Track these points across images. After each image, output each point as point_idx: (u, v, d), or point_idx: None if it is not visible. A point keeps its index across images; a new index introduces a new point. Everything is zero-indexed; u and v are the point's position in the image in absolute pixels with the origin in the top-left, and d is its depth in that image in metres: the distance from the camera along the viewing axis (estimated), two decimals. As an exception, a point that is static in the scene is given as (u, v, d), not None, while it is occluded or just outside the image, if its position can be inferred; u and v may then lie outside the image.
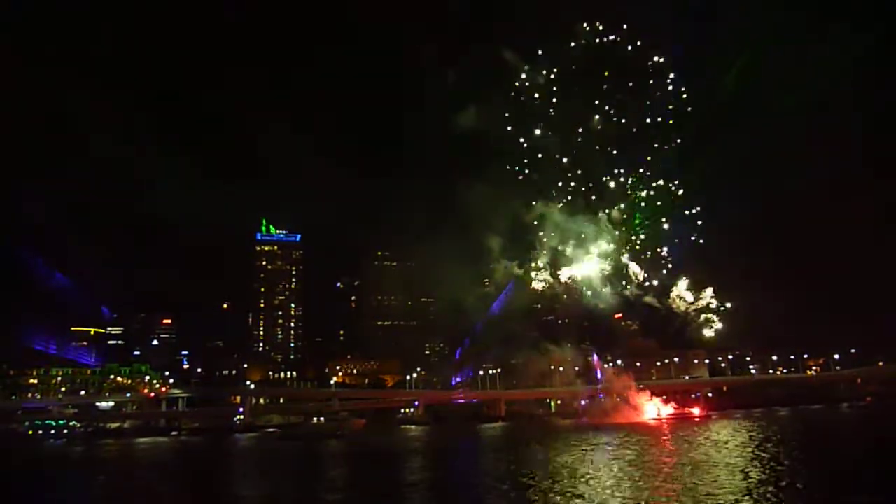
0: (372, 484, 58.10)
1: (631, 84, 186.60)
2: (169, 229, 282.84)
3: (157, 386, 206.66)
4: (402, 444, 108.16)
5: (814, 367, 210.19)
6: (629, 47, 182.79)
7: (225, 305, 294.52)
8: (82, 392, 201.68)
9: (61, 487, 64.38)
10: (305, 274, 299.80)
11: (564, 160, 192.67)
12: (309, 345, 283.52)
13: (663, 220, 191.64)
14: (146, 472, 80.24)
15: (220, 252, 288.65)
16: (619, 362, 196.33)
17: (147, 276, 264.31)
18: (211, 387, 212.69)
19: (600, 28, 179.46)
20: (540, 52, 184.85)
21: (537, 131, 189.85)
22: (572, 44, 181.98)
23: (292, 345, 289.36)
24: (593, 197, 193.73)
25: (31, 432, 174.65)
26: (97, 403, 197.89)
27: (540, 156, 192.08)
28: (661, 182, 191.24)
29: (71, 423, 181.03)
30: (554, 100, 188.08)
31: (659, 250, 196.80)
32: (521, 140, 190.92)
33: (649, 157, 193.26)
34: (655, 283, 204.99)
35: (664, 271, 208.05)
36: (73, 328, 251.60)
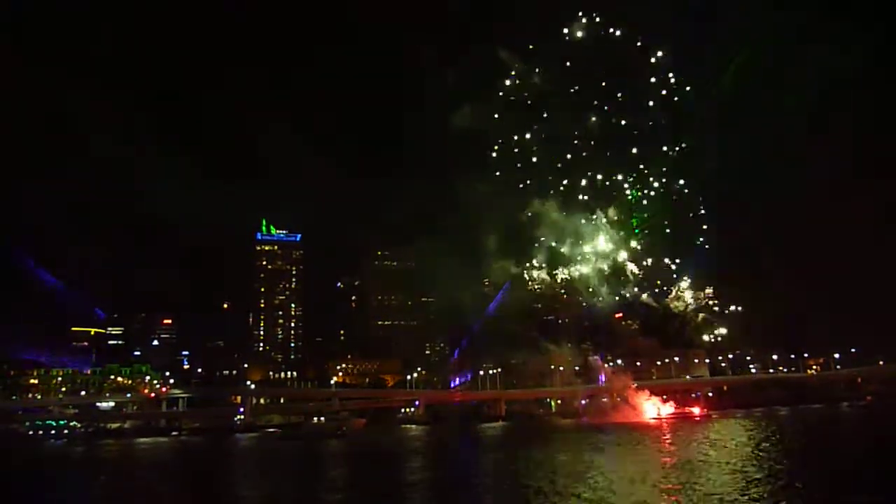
0: (372, 484, 58.14)
1: (630, 82, 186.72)
2: (169, 229, 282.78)
3: (158, 386, 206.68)
4: (402, 444, 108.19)
5: (814, 367, 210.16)
6: (629, 44, 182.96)
7: (225, 305, 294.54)
8: (82, 392, 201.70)
9: (61, 487, 64.41)
10: (305, 274, 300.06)
11: (560, 158, 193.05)
12: (309, 345, 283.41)
13: (664, 220, 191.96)
14: (147, 473, 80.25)
15: (220, 252, 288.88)
16: (619, 362, 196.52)
17: (147, 276, 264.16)
18: (211, 387, 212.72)
19: (597, 20, 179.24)
20: (538, 49, 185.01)
21: (534, 127, 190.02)
22: (569, 37, 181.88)
23: (292, 345, 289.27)
24: (584, 197, 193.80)
25: (31, 432, 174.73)
26: (97, 403, 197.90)
27: (536, 153, 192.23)
28: (660, 182, 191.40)
29: (71, 424, 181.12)
30: (551, 99, 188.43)
31: (657, 251, 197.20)
32: (518, 138, 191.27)
33: (647, 157, 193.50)
34: (653, 283, 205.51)
35: (663, 271, 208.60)
36: (73, 328, 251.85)
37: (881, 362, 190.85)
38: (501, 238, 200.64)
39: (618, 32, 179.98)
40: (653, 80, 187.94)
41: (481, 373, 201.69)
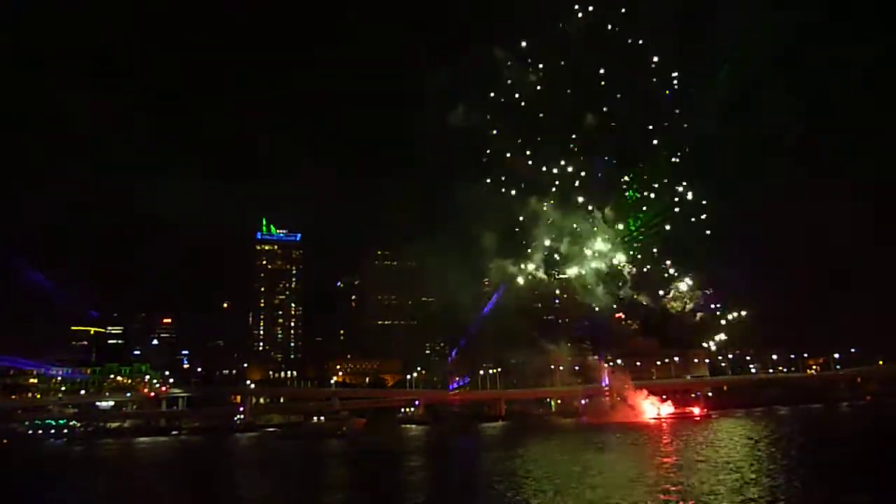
0: (372, 483, 58.13)
1: (630, 81, 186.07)
2: (169, 229, 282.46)
3: (157, 385, 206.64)
4: (402, 444, 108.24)
5: (814, 367, 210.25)
6: (628, 41, 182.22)
7: (225, 305, 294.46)
8: (82, 392, 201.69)
9: (61, 487, 64.38)
10: (305, 274, 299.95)
11: (557, 157, 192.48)
12: (309, 344, 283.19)
13: (662, 220, 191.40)
14: (147, 472, 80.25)
15: (220, 252, 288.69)
16: (618, 362, 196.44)
17: (147, 276, 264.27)
18: (211, 386, 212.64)
19: (592, 13, 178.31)
20: (535, 45, 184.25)
21: (531, 127, 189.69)
22: (567, 33, 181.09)
23: (292, 344, 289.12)
24: (580, 198, 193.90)
25: (30, 432, 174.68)
26: (97, 403, 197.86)
27: (532, 152, 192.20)
28: (659, 182, 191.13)
29: (71, 423, 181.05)
30: (549, 97, 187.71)
31: (655, 251, 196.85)
32: (514, 138, 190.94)
33: (646, 157, 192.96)
34: (650, 283, 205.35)
35: (660, 273, 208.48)
36: (73, 328, 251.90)
37: (881, 362, 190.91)
38: (499, 237, 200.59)
39: (616, 29, 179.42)
40: (654, 79, 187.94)
41: (481, 372, 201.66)
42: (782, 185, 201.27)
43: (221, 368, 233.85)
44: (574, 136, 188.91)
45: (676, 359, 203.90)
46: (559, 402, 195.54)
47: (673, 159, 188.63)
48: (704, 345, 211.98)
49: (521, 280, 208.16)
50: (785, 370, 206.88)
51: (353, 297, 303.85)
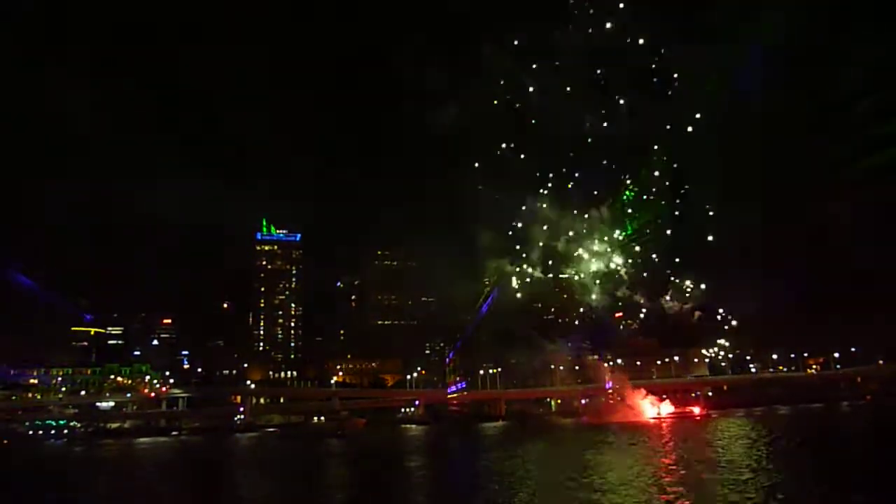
0: (372, 483, 58.16)
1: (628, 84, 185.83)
2: (169, 229, 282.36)
3: (158, 386, 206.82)
4: (402, 444, 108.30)
5: (814, 366, 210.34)
6: (628, 39, 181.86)
7: (225, 305, 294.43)
8: (82, 392, 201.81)
9: (62, 487, 64.41)
10: (305, 274, 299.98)
11: (554, 155, 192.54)
12: (309, 344, 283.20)
13: (660, 224, 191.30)
14: (147, 472, 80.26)
15: (220, 252, 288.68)
16: (619, 361, 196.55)
17: (147, 276, 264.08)
18: (211, 386, 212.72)
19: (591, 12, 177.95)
20: (530, 45, 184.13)
21: (527, 126, 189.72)
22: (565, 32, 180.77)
23: (292, 344, 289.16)
24: (577, 198, 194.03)
25: (31, 432, 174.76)
26: (97, 403, 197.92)
27: (528, 151, 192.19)
28: (657, 182, 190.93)
29: (71, 423, 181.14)
30: (546, 96, 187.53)
31: (655, 257, 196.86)
32: (511, 137, 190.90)
33: (643, 157, 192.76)
34: (646, 284, 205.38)
35: (657, 273, 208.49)
36: (73, 328, 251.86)
37: (881, 362, 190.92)
38: (497, 236, 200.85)
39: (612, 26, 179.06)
40: (655, 79, 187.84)
41: (481, 372, 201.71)
42: (781, 185, 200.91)
43: (221, 369, 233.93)
44: (570, 136, 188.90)
45: (676, 358, 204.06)
46: (559, 402, 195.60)
47: (670, 161, 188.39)
48: (704, 345, 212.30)
49: (518, 280, 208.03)
50: (785, 369, 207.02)
51: (353, 297, 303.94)
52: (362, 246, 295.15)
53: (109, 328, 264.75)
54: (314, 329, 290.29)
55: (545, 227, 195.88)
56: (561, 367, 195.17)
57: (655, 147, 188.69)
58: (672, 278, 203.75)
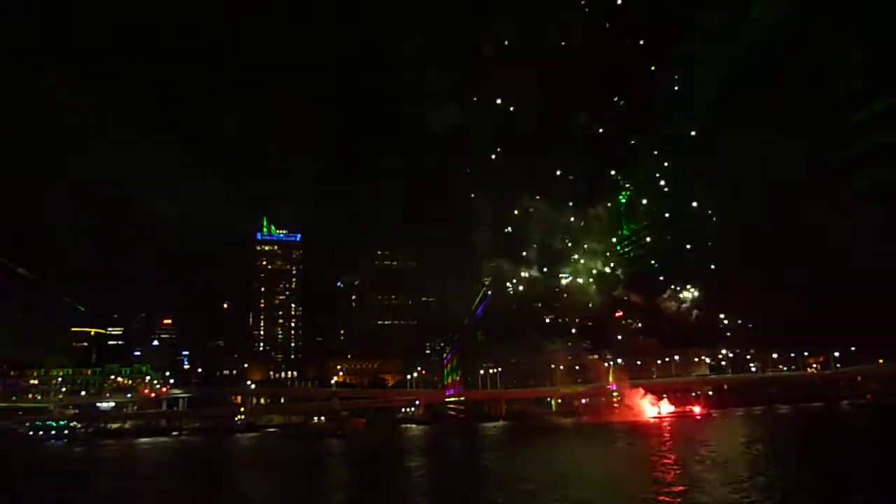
0: (372, 483, 58.21)
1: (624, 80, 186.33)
2: (169, 229, 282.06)
3: (158, 386, 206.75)
4: (402, 443, 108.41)
5: (814, 366, 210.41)
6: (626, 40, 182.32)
7: (225, 305, 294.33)
8: (83, 392, 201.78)
9: (62, 487, 64.46)
10: (305, 274, 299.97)
11: (552, 154, 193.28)
12: (309, 344, 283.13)
13: (656, 222, 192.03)
14: (148, 472, 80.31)
15: (220, 252, 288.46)
16: (619, 361, 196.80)
17: (147, 276, 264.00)
18: (211, 387, 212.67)
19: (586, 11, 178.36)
20: (526, 44, 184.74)
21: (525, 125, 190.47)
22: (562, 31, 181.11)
23: (293, 344, 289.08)
24: (573, 197, 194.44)
25: (31, 433, 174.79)
26: (98, 404, 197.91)
27: (525, 150, 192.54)
28: (653, 182, 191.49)
29: (71, 424, 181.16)
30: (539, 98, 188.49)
31: (653, 262, 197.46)
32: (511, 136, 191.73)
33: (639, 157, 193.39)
34: (642, 284, 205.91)
35: (652, 274, 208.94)
36: (73, 328, 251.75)
37: (881, 361, 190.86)
38: (494, 236, 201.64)
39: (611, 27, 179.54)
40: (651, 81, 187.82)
41: (481, 372, 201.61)
42: (781, 186, 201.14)
43: (221, 369, 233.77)
44: (566, 136, 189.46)
45: (677, 358, 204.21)
46: (559, 401, 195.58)
47: (665, 163, 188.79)
48: (703, 344, 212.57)
49: (515, 280, 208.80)
50: (785, 369, 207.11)
51: (353, 296, 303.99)
52: (362, 246, 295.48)
53: (109, 328, 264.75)
54: (314, 329, 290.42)
55: (542, 227, 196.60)
56: (561, 367, 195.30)
57: (652, 147, 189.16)
58: (668, 279, 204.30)
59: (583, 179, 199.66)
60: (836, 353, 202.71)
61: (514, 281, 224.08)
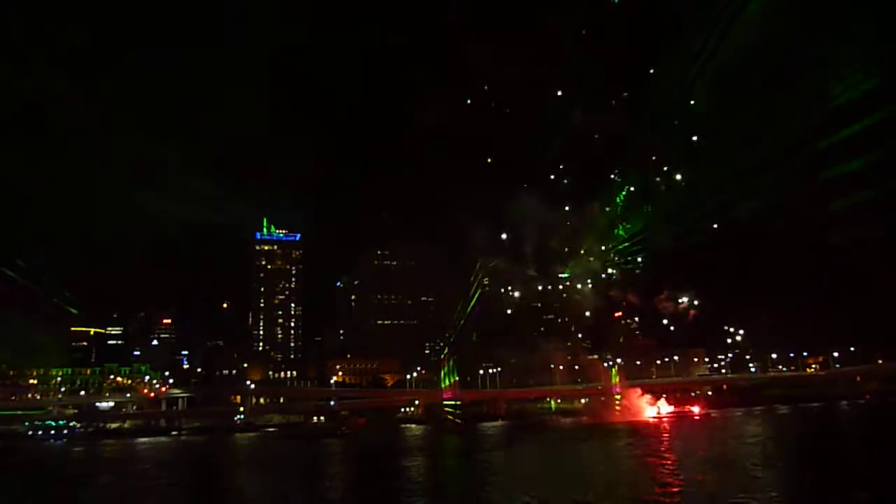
0: (372, 482, 58.26)
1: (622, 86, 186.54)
2: (169, 229, 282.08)
3: (157, 386, 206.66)
4: (401, 443, 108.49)
5: (813, 366, 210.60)
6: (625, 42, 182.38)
7: (225, 305, 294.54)
8: (82, 392, 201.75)
9: (62, 487, 64.51)
10: (305, 273, 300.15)
11: (550, 152, 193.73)
12: (308, 344, 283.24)
13: (651, 223, 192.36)
14: (148, 472, 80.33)
15: (220, 252, 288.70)
16: (618, 361, 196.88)
17: (146, 276, 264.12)
18: (211, 386, 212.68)
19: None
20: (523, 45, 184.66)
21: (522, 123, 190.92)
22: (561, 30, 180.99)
23: (292, 344, 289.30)
24: (569, 196, 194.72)
25: (30, 432, 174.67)
26: (97, 403, 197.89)
27: (523, 149, 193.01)
28: (649, 181, 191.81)
29: (71, 424, 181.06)
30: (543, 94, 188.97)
31: (645, 247, 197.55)
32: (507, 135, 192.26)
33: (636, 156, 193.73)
34: (638, 284, 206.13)
35: (648, 274, 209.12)
36: (73, 328, 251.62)
37: (880, 361, 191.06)
38: (492, 235, 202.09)
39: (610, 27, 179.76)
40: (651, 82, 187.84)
41: (481, 372, 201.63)
42: (781, 186, 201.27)
43: (221, 368, 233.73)
44: (562, 134, 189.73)
45: (676, 358, 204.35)
46: (559, 401, 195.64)
47: (662, 164, 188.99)
48: (702, 344, 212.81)
49: (515, 280, 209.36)
50: (784, 369, 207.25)
51: (353, 296, 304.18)
52: (362, 246, 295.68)
53: (109, 328, 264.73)
54: (313, 329, 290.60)
55: (538, 225, 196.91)
56: (561, 367, 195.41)
57: (648, 147, 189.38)
58: (668, 280, 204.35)
59: (582, 180, 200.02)
60: (836, 353, 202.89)
61: (514, 281, 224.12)
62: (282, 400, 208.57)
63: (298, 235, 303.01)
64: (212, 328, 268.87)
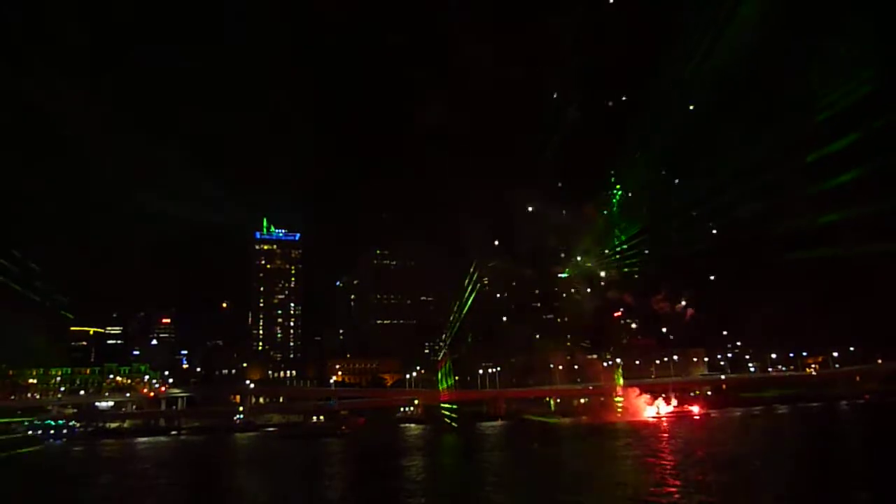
0: (372, 482, 58.28)
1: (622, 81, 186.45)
2: (168, 229, 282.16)
3: (157, 385, 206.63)
4: (401, 443, 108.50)
5: (813, 366, 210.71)
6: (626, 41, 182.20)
7: (224, 305, 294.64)
8: (82, 392, 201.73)
9: (62, 487, 64.51)
10: (305, 273, 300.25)
11: (548, 151, 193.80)
12: (308, 344, 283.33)
13: (648, 223, 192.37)
14: (148, 471, 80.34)
15: (220, 252, 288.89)
16: (617, 360, 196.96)
17: (146, 276, 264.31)
18: (211, 386, 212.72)
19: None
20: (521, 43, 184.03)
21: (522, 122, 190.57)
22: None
23: (292, 344, 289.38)
24: (566, 195, 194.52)
25: (30, 432, 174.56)
26: (97, 403, 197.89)
27: (521, 148, 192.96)
28: (646, 181, 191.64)
29: (70, 423, 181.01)
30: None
31: (643, 248, 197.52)
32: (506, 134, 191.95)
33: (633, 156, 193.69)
34: (636, 284, 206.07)
35: (646, 275, 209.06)
36: (72, 328, 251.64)
37: (880, 361, 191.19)
38: (491, 235, 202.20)
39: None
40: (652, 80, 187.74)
41: (480, 371, 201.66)
42: (780, 186, 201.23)
43: (221, 368, 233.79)
44: (561, 135, 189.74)
45: (675, 357, 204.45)
46: (558, 401, 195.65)
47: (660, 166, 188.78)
48: (701, 344, 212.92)
49: (515, 279, 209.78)
50: (784, 369, 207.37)
51: (353, 296, 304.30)
52: (362, 246, 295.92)
53: (108, 327, 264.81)
54: (313, 328, 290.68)
55: (536, 224, 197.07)
56: (560, 367, 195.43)
57: (645, 148, 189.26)
58: (667, 280, 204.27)
59: (581, 180, 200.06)
60: (835, 353, 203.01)
61: (514, 281, 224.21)
62: (281, 399, 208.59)
63: (298, 235, 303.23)
64: (211, 328, 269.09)
